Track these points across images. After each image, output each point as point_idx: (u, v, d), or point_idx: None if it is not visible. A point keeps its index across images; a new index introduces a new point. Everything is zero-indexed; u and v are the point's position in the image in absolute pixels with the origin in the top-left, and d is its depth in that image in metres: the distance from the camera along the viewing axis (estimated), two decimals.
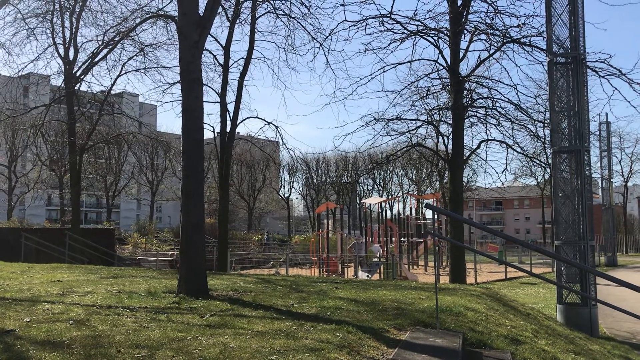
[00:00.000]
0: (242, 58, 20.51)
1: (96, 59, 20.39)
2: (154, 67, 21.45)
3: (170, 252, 30.74)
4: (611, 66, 14.09)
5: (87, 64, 20.69)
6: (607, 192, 37.79)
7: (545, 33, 12.91)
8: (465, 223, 18.20)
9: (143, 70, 21.57)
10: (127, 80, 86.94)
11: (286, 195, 73.76)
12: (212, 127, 21.93)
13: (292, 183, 74.56)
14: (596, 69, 14.30)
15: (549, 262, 31.70)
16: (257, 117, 21.08)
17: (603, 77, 14.40)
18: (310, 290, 8.83)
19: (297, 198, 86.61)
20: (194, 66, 8.59)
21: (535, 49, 15.00)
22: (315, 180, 75.58)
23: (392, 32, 16.55)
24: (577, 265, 11.27)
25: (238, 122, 20.25)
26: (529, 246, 12.95)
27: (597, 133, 37.35)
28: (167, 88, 20.39)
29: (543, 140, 18.80)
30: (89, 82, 35.70)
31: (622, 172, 58.73)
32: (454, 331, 5.82)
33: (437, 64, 17.43)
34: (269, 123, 20.88)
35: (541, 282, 21.10)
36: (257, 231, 53.99)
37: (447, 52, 17.07)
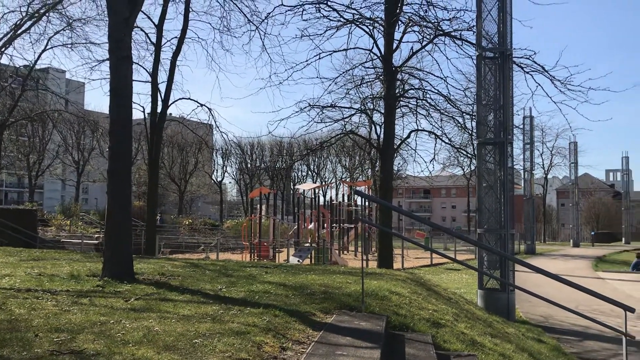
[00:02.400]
0: (176, 37, 20.03)
1: (19, 31, 19.35)
2: (82, 43, 20.63)
3: (96, 235, 29.80)
4: (535, 63, 14.73)
5: (8, 35, 19.59)
6: (528, 184, 39.62)
7: (475, 28, 13.32)
8: (391, 210, 18.63)
9: (70, 46, 20.71)
10: (54, 56, 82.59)
11: (219, 179, 72.86)
12: (143, 107, 21.34)
13: (226, 167, 73.63)
14: (522, 65, 14.91)
15: (473, 249, 33.01)
16: (189, 99, 20.69)
17: (528, 72, 15.04)
18: (239, 275, 8.83)
19: (230, 182, 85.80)
20: (124, 43, 8.33)
21: (466, 42, 15.46)
22: (249, 165, 75.00)
23: (329, 19, 16.62)
24: (497, 252, 11.79)
25: (170, 103, 19.79)
26: (452, 233, 13.49)
27: (521, 126, 39.03)
28: (96, 65, 19.65)
29: (470, 132, 19.45)
30: (10, 55, 33.75)
31: (543, 164, 61.67)
32: (378, 314, 5.99)
33: (371, 53, 17.66)
34: (202, 105, 20.54)
35: (464, 268, 21.95)
36: (188, 215, 53.13)
37: (381, 42, 17.33)
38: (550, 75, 14.43)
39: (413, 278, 10.73)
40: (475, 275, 15.07)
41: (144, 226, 22.47)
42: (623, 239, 51.92)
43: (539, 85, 15.07)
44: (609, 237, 58.00)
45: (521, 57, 14.74)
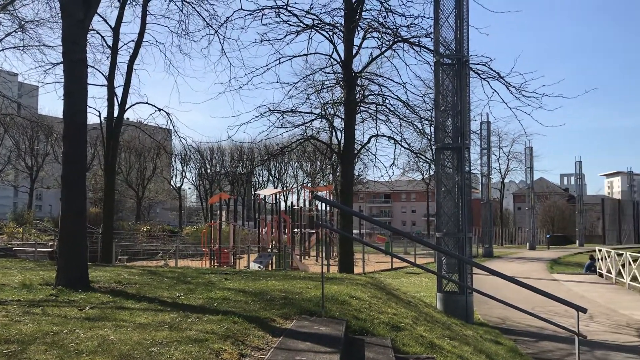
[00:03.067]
0: (133, 41, 19.70)
1: None
2: (35, 46, 20.01)
3: (50, 243, 28.94)
4: (491, 69, 15.02)
5: None
6: (486, 188, 40.39)
7: (433, 34, 13.51)
8: (352, 214, 18.71)
9: (23, 48, 20.07)
10: (5, 58, 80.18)
11: (178, 185, 71.84)
12: (99, 111, 20.88)
13: (185, 173, 72.63)
14: (478, 71, 15.18)
15: (433, 253, 33.44)
16: (147, 103, 20.37)
17: (484, 79, 15.32)
18: (198, 282, 8.71)
19: (189, 188, 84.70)
20: (78, 46, 8.15)
21: (424, 49, 15.66)
22: (209, 171, 74.18)
23: (288, 24, 16.62)
24: (454, 255, 11.97)
25: (127, 107, 19.44)
26: (411, 237, 13.64)
27: (479, 132, 39.81)
28: (50, 68, 19.09)
29: (429, 137, 19.72)
30: None
31: (500, 169, 62.95)
32: (338, 319, 5.99)
33: (331, 58, 17.75)
34: (159, 109, 20.26)
35: (424, 271, 22.21)
36: (146, 222, 52.19)
37: (341, 48, 17.45)
38: (506, 82, 14.74)
39: (373, 282, 10.78)
40: (434, 278, 15.25)
41: (100, 233, 21.94)
42: (577, 241, 53.40)
43: (495, 91, 15.38)
44: (563, 239, 59.62)
45: (478, 64, 15.02)
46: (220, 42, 16.53)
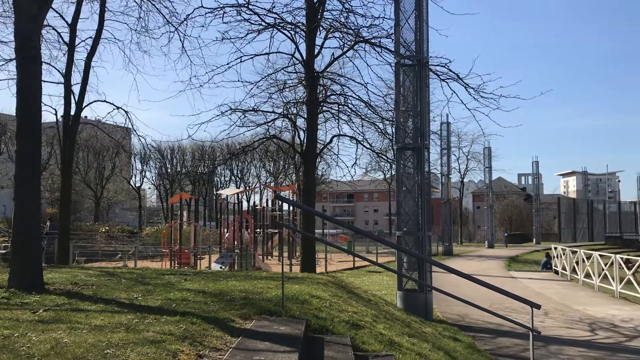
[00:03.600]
0: (91, 37, 19.27)
1: None
2: None
3: (4, 244, 28.08)
4: (451, 70, 15.29)
5: None
6: (445, 187, 41.02)
7: (393, 35, 13.66)
8: (314, 214, 18.75)
9: None
10: None
11: (138, 185, 70.59)
12: (55, 109, 20.45)
13: (145, 172, 71.40)
14: (438, 73, 15.44)
15: (394, 252, 33.77)
16: (105, 101, 19.94)
17: (444, 80, 15.59)
18: (157, 283, 8.58)
19: (149, 188, 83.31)
20: (32, 42, 7.93)
21: (385, 50, 15.83)
22: (169, 170, 73.15)
23: (250, 22, 16.57)
24: (414, 254, 12.12)
25: (84, 105, 19.02)
26: (372, 237, 13.82)
27: (439, 132, 40.39)
28: (3, 64, 18.50)
29: (390, 138, 19.92)
30: None
31: (460, 169, 63.98)
32: (298, 318, 6.00)
33: (294, 58, 17.75)
34: (118, 108, 19.86)
35: (386, 270, 22.41)
36: (105, 222, 51.15)
37: (303, 47, 17.45)
38: (465, 83, 15.02)
39: (335, 281, 10.83)
40: (395, 277, 15.41)
41: (56, 233, 21.39)
42: (534, 239, 54.73)
43: (454, 92, 15.74)
44: (521, 238, 61.01)
45: (437, 65, 15.27)
46: (180, 40, 16.31)
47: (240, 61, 16.97)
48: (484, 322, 12.01)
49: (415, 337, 7.85)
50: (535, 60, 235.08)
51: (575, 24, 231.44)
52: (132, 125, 20.17)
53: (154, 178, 74.88)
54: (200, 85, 16.72)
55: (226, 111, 17.54)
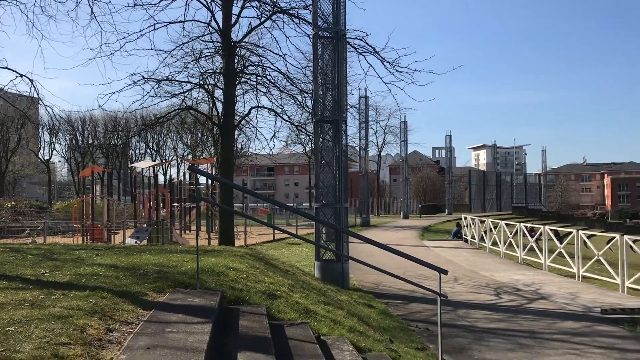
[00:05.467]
0: None
1: None
2: None
3: None
4: (368, 44, 15.45)
5: None
6: (363, 160, 41.79)
7: (311, 7, 13.59)
8: (232, 187, 18.59)
9: None
10: None
11: (46, 157, 67.07)
12: None
13: (54, 144, 67.95)
14: (355, 46, 15.55)
15: (314, 224, 34.14)
16: (7, 68, 18.59)
17: (361, 53, 15.74)
18: (66, 258, 8.24)
19: (59, 161, 79.42)
20: None
21: (303, 21, 15.74)
22: (80, 142, 69.92)
23: None
24: (331, 225, 12.34)
25: None
26: (291, 209, 13.88)
27: (357, 106, 40.91)
28: None
29: (309, 110, 19.97)
30: None
31: (377, 142, 65.41)
32: (213, 290, 5.97)
33: (210, 27, 17.31)
34: (21, 75, 18.60)
35: (305, 242, 22.65)
36: (11, 197, 48.34)
37: (220, 16, 17.04)
38: (381, 57, 15.24)
39: (252, 253, 10.85)
40: (314, 248, 15.62)
41: None
42: (446, 210, 56.95)
43: (371, 66, 15.88)
44: (434, 209, 63.33)
45: (355, 38, 15.38)
46: (89, 5, 15.42)
47: (154, 29, 16.38)
48: (398, 290, 12.46)
49: (330, 305, 8.03)
50: (450, 37, 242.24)
51: (492, 2, 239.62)
52: (38, 94, 18.98)
53: (64, 151, 71.43)
54: (111, 53, 16.01)
55: (139, 80, 16.94)
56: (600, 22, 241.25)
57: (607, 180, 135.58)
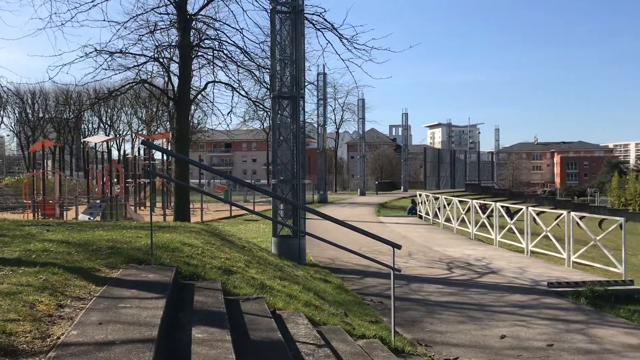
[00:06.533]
0: None
1: None
2: None
3: None
4: (326, 20, 15.37)
5: None
6: (321, 137, 41.82)
7: None
8: (188, 163, 18.37)
9: None
10: None
11: None
12: None
13: (2, 118, 65.45)
14: (313, 22, 15.45)
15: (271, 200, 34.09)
16: None
17: (319, 29, 15.66)
18: (15, 235, 8.01)
19: (8, 135, 76.66)
20: None
21: None
22: (30, 116, 67.57)
23: None
24: (288, 201, 12.38)
25: None
26: (248, 185, 13.73)
27: (316, 83, 40.78)
28: None
29: (267, 86, 19.81)
30: None
31: (335, 120, 65.59)
32: (168, 266, 5.94)
33: None
34: None
35: (263, 218, 22.63)
36: None
37: None
38: (339, 33, 15.21)
39: (208, 230, 10.80)
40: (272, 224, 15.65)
41: None
42: (402, 187, 57.76)
43: (329, 42, 15.83)
44: (390, 185, 64.19)
45: (313, 14, 15.28)
46: None
47: None
48: (354, 265, 12.63)
49: (287, 280, 8.10)
50: (408, 14, 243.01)
51: None
52: None
53: (12, 124, 68.94)
54: (62, 24, 15.46)
55: (91, 52, 16.44)
56: (559, 2, 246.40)
57: (556, 159, 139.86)
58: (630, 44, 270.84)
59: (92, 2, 15.67)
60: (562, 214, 13.65)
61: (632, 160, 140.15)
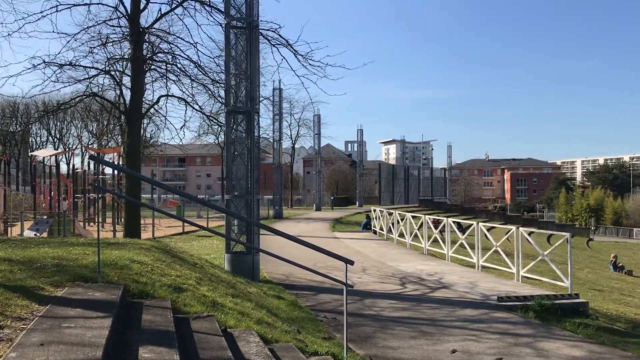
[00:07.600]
0: None
1: None
2: None
3: None
4: (281, 36, 15.46)
5: None
6: (277, 153, 41.77)
7: None
8: (138, 178, 18.04)
9: None
10: None
11: None
12: None
13: None
14: (268, 37, 15.51)
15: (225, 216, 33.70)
16: None
17: (274, 45, 15.72)
18: None
19: None
20: None
21: (215, 10, 15.47)
22: None
23: None
24: (240, 217, 12.29)
25: None
26: (200, 201, 13.65)
27: (271, 98, 40.79)
28: None
29: (221, 101, 19.68)
30: None
31: (291, 135, 65.63)
32: (115, 284, 5.77)
33: (117, 11, 16.62)
34: None
35: (215, 234, 22.34)
36: None
37: (128, 0, 16.41)
38: (294, 50, 15.30)
39: (159, 246, 10.58)
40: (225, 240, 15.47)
41: None
42: (357, 202, 58.08)
43: (284, 58, 15.90)
44: (346, 201, 64.47)
45: (268, 30, 15.33)
46: None
47: (57, 10, 15.54)
48: (308, 281, 12.59)
49: (239, 297, 8.00)
50: (362, 32, 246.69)
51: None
52: None
53: None
54: (9, 34, 15.05)
55: (39, 64, 16.01)
56: (513, 22, 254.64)
57: (507, 175, 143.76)
58: (579, 63, 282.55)
59: (42, 12, 15.31)
60: (511, 229, 13.99)
61: (578, 177, 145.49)
